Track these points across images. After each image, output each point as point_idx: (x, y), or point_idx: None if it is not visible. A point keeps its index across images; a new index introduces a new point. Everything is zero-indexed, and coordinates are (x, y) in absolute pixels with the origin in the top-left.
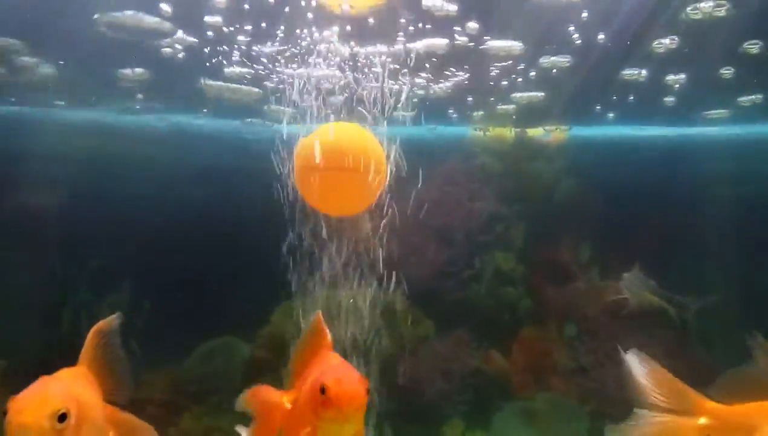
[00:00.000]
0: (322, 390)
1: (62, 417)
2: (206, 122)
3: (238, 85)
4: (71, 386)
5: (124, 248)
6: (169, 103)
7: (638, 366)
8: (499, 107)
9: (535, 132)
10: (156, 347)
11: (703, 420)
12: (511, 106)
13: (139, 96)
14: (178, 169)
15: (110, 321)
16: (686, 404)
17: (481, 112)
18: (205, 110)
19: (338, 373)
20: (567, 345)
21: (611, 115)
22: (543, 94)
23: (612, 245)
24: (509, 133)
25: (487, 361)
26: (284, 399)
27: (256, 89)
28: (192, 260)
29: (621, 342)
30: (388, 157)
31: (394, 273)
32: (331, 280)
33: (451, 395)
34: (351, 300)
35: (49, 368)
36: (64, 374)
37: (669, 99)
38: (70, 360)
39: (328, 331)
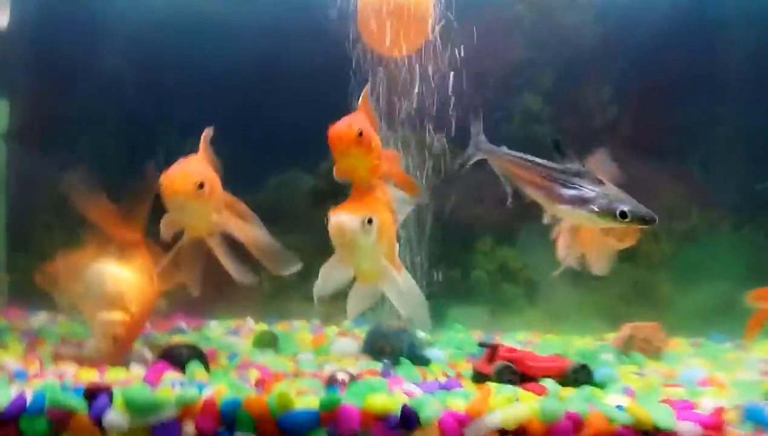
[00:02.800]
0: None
1: (201, 185)
2: None
3: None
4: (199, 165)
5: (205, 100)
6: None
7: None
8: None
9: None
10: (235, 179)
11: None
12: None
13: None
14: (249, 29)
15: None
16: None
17: None
18: None
19: (341, 119)
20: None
21: None
22: None
23: (631, 87)
24: None
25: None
26: None
27: None
28: (261, 107)
29: (628, 169)
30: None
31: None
32: (381, 121)
33: (483, 218)
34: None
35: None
36: (193, 158)
37: None
38: None
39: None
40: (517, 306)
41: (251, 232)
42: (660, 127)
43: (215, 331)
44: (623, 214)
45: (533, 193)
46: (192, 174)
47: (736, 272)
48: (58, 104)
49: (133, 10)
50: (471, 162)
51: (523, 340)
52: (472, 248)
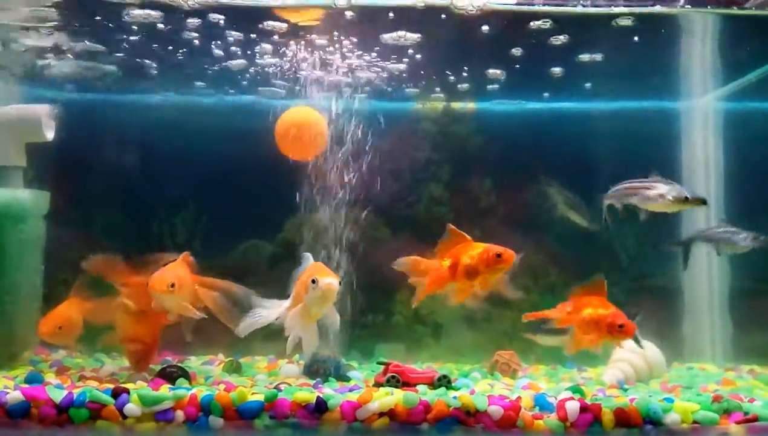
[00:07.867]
0: (498, 255)
1: (172, 285)
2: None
3: None
4: (174, 270)
5: (189, 184)
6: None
7: None
8: (432, 86)
9: (456, 105)
10: (210, 246)
11: None
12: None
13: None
14: (215, 134)
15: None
16: None
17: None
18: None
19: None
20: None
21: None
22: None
23: (503, 178)
24: (439, 106)
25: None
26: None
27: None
28: (232, 189)
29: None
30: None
31: (363, 198)
32: (322, 203)
33: (400, 277)
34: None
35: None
36: (171, 264)
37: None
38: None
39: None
40: (425, 343)
41: (216, 301)
42: (525, 207)
43: (195, 363)
44: None
45: None
46: (165, 278)
47: None
48: (82, 192)
49: (137, 119)
50: None
51: (425, 367)
52: (393, 298)
